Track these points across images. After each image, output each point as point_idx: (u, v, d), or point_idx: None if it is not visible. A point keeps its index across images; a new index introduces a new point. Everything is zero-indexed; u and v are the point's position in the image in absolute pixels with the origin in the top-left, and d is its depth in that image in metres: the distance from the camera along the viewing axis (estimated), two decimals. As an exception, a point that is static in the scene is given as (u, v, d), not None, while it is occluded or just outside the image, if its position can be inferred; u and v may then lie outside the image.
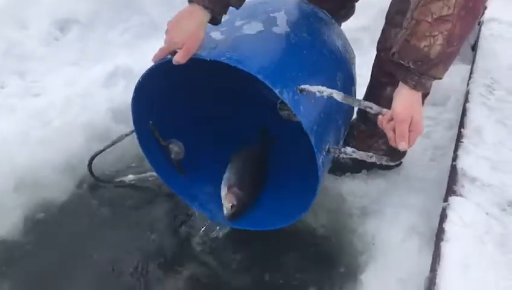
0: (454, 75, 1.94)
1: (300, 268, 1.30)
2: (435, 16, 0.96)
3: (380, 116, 1.07)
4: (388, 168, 1.55)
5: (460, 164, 1.33)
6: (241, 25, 1.20)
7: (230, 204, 1.31)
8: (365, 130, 1.50)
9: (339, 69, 1.31)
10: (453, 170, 1.32)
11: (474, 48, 2.14)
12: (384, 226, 1.37)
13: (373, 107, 1.07)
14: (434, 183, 1.48)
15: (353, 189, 1.52)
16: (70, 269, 1.25)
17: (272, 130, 1.51)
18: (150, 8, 2.27)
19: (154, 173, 1.42)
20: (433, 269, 1.08)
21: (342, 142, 1.36)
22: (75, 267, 1.26)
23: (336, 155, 1.20)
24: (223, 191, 1.36)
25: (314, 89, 1.09)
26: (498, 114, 1.54)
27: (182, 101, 1.41)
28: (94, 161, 1.48)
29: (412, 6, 1.00)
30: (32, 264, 1.26)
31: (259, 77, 1.04)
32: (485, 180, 1.28)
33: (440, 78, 1.03)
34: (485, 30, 2.16)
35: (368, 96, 1.45)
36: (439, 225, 1.19)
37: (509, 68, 1.83)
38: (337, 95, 1.08)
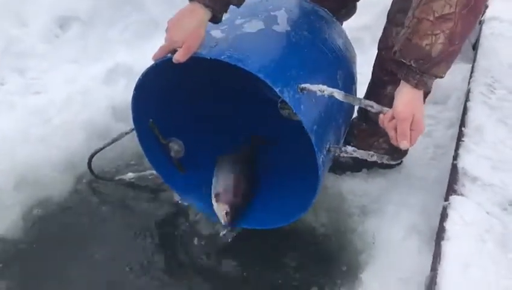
0: (455, 73, 1.94)
1: (300, 267, 1.29)
2: (436, 15, 0.96)
3: (381, 115, 1.07)
4: (389, 167, 1.55)
5: (461, 162, 1.32)
6: (242, 23, 1.20)
7: (224, 212, 1.29)
8: (366, 129, 1.50)
9: (340, 68, 1.30)
10: (454, 169, 1.32)
11: (475, 46, 2.13)
12: (385, 225, 1.37)
13: (374, 106, 1.07)
14: (435, 182, 1.49)
15: (353, 188, 1.51)
16: (70, 266, 1.25)
17: (272, 129, 1.51)
18: (151, 6, 2.26)
19: (154, 171, 1.42)
20: (434, 268, 1.08)
21: (342, 141, 1.36)
22: (74, 264, 1.26)
23: (336, 154, 1.20)
24: (214, 202, 1.34)
25: (315, 88, 1.09)
26: (499, 113, 1.54)
27: (182, 100, 1.40)
28: (94, 159, 1.49)
29: (413, 5, 1.00)
30: (32, 261, 1.26)
31: (260, 76, 1.04)
32: (486, 180, 1.27)
33: (442, 77, 1.03)
34: (486, 29, 2.15)
35: (369, 95, 1.45)
36: (439, 224, 1.19)
37: (510, 67, 1.82)
38: (338, 94, 1.08)
